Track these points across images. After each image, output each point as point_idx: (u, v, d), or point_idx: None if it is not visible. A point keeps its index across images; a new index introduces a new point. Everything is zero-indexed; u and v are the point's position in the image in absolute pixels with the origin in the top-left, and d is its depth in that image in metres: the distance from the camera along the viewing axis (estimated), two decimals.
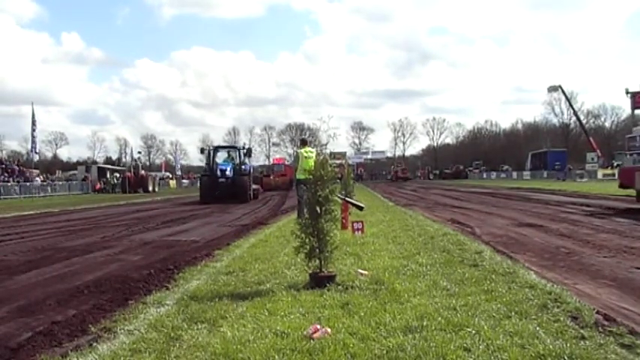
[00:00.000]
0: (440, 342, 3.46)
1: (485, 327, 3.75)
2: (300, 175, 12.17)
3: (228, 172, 23.90)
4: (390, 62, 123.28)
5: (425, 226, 10.33)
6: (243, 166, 25.39)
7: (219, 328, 3.97)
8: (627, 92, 17.38)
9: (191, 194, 33.04)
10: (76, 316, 4.61)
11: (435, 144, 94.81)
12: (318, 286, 5.07)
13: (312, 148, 14.10)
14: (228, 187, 23.42)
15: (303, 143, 13.58)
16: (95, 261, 7.79)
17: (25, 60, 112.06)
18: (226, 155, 26.12)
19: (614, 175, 36.72)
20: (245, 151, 26.94)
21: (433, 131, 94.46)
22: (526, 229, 10.53)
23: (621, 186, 15.46)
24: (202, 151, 28.83)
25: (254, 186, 27.10)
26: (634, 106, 16.50)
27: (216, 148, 26.88)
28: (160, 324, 4.12)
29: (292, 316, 4.17)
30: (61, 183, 43.90)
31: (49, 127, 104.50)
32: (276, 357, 3.33)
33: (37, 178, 46.12)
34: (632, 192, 14.45)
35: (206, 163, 26.83)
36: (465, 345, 3.44)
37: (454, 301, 4.47)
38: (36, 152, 34.60)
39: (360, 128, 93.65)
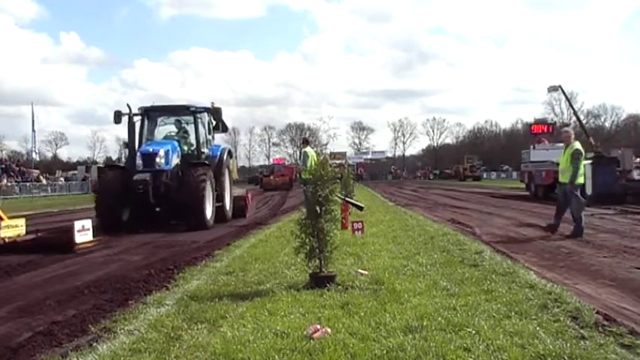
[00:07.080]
0: (440, 342, 3.47)
1: (485, 327, 3.75)
2: (305, 175, 12.07)
3: (159, 160, 11.42)
4: (389, 62, 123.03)
5: (425, 226, 10.33)
6: (205, 150, 12.75)
7: (219, 328, 3.98)
8: (527, 124, 23.01)
9: None
10: (76, 316, 4.61)
11: (435, 144, 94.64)
12: (318, 286, 5.07)
13: (312, 147, 14.40)
14: (162, 194, 11.24)
15: (306, 142, 14.27)
16: (95, 261, 7.79)
17: (25, 60, 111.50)
18: (174, 129, 13.09)
19: None
20: (210, 115, 13.09)
21: (433, 131, 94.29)
22: (526, 229, 10.54)
23: (521, 181, 24.56)
24: (118, 118, 12.53)
25: (237, 191, 14.65)
26: (530, 133, 21.34)
27: (148, 112, 12.82)
28: (160, 324, 4.12)
29: (292, 316, 4.17)
30: (60, 183, 43.91)
31: (49, 127, 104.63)
32: (276, 357, 3.33)
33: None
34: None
35: (124, 144, 13.93)
36: (465, 345, 3.44)
37: (454, 301, 4.47)
38: (35, 152, 34.37)
39: (360, 128, 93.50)
